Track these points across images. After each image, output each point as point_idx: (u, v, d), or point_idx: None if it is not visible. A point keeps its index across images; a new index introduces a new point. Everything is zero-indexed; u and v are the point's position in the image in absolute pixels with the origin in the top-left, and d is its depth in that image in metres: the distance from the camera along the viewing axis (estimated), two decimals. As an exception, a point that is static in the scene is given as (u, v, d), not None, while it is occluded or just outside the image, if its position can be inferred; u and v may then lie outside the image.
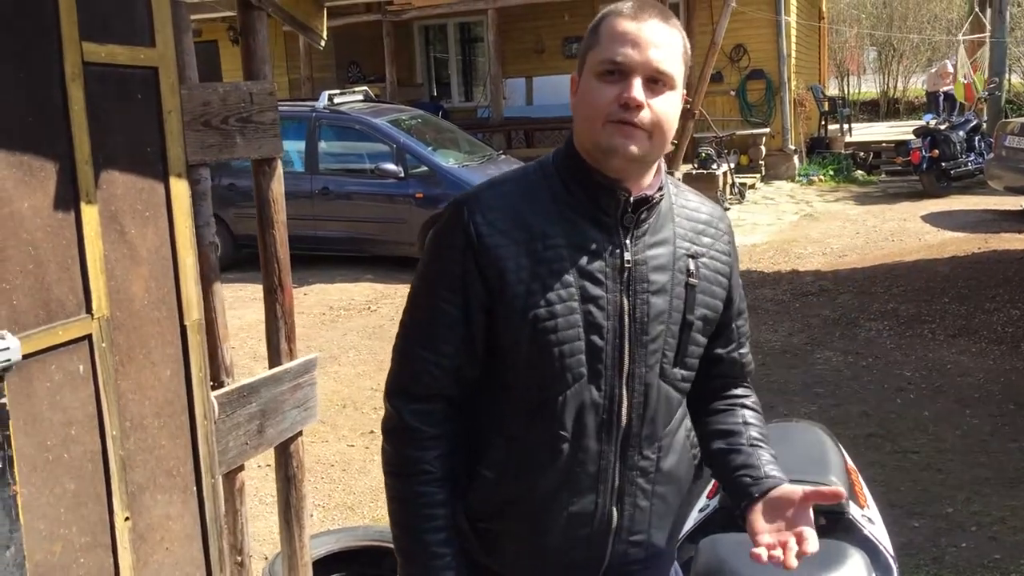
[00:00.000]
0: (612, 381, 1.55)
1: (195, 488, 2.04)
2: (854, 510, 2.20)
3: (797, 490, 1.54)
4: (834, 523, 2.13)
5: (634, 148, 1.49)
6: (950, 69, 16.90)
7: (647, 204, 1.56)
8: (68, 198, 1.69)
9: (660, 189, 1.59)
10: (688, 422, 1.71)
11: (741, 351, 1.76)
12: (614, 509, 1.60)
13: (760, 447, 1.69)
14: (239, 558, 2.37)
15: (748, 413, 1.75)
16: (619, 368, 1.55)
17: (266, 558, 3.56)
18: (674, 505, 1.68)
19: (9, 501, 1.44)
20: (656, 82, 1.48)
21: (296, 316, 7.71)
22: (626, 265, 1.55)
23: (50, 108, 1.67)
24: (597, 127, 1.49)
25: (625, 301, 1.55)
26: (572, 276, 1.52)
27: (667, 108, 1.49)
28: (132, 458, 1.85)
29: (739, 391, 1.78)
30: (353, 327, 7.70)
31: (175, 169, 1.95)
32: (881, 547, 2.13)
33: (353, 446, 5.27)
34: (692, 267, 1.61)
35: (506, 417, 1.59)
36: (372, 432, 5.42)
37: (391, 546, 3.29)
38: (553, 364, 1.52)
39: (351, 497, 4.62)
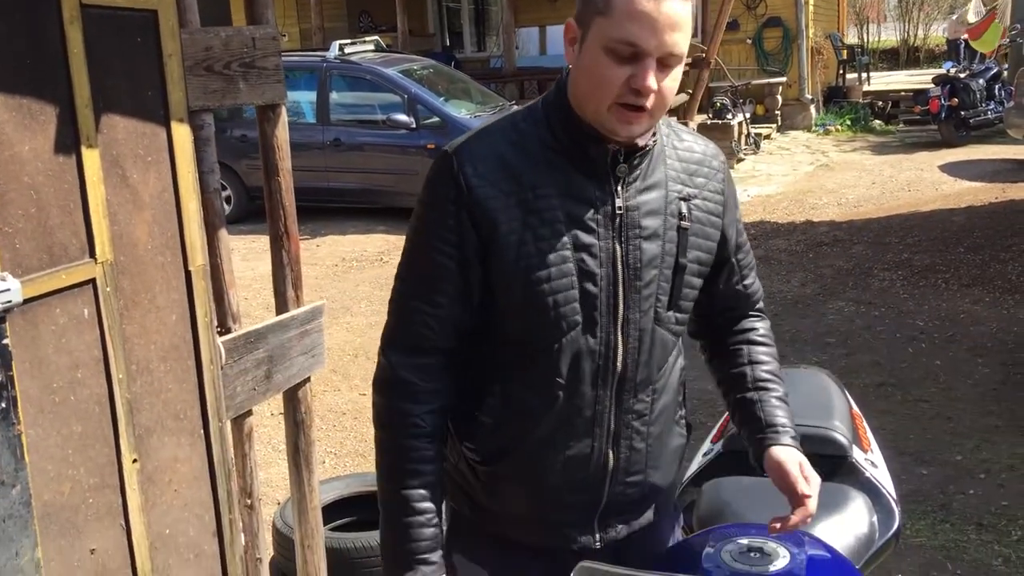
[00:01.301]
0: (607, 328, 1.55)
1: (203, 431, 2.07)
2: (857, 454, 2.21)
3: (786, 472, 1.61)
4: (837, 466, 2.13)
5: (636, 130, 1.49)
6: (971, 19, 16.56)
7: (638, 152, 1.55)
8: (69, 142, 1.69)
9: (653, 135, 1.57)
10: (681, 361, 1.72)
11: (745, 282, 1.76)
12: (610, 452, 1.61)
13: (766, 389, 1.71)
14: (248, 501, 2.40)
15: (755, 350, 1.77)
16: (613, 314, 1.55)
17: (279, 503, 3.60)
18: (671, 445, 1.69)
19: (14, 440, 1.46)
20: (667, 63, 1.44)
21: (308, 267, 7.67)
22: (617, 212, 1.54)
23: (49, 51, 1.66)
24: (602, 107, 1.46)
25: (618, 247, 1.54)
26: (564, 225, 1.51)
27: (673, 83, 1.47)
28: (139, 401, 1.87)
29: (747, 323, 1.80)
30: (365, 278, 7.73)
31: (176, 114, 1.94)
32: (884, 490, 2.14)
33: (365, 395, 5.31)
34: (684, 210, 1.59)
35: (503, 366, 1.60)
36: (384, 381, 5.46)
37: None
38: (547, 313, 1.52)
39: (362, 445, 4.66)
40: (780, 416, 1.68)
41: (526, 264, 1.50)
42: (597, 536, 1.66)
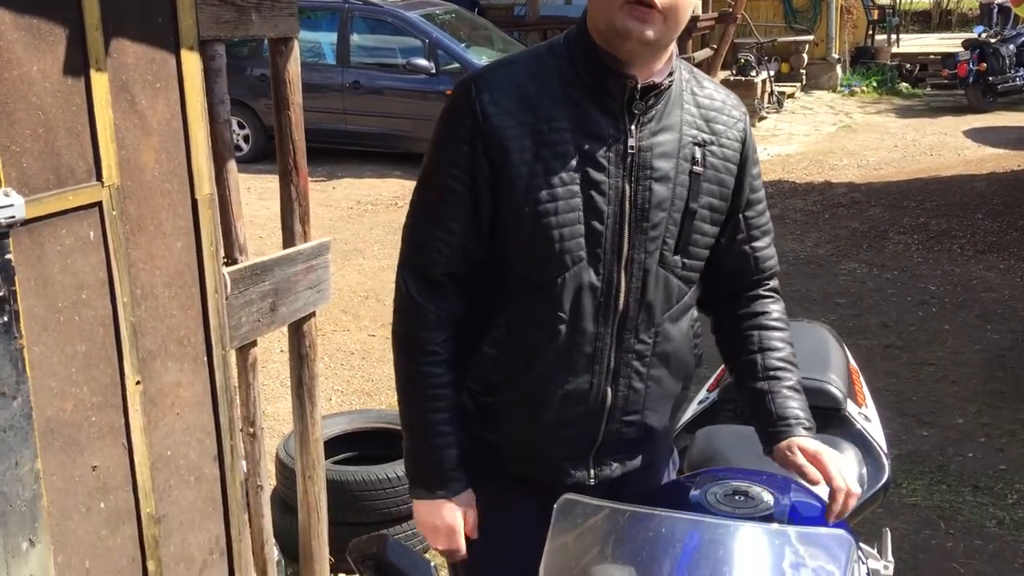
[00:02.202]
0: (611, 265, 1.57)
1: (206, 358, 2.10)
2: (851, 407, 2.23)
3: (802, 465, 1.58)
4: (830, 418, 2.16)
5: (649, 32, 1.47)
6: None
7: (654, 91, 1.55)
8: (77, 64, 1.70)
9: (670, 75, 1.57)
10: (695, 312, 1.72)
11: (753, 244, 1.72)
12: (608, 389, 1.63)
13: (776, 379, 1.68)
14: (251, 429, 2.44)
15: (766, 335, 1.72)
16: (618, 253, 1.56)
17: (285, 436, 3.66)
18: (671, 389, 1.71)
19: (16, 354, 1.49)
20: None
21: (324, 209, 7.70)
22: (629, 151, 1.55)
23: (59, -28, 1.67)
24: (614, 8, 1.47)
25: (627, 187, 1.55)
26: (575, 160, 1.53)
27: None
28: (143, 325, 1.90)
29: (759, 305, 1.74)
30: (379, 222, 7.74)
31: (187, 41, 1.95)
32: (875, 443, 2.16)
33: (374, 336, 5.36)
34: (698, 155, 1.60)
35: (508, 297, 1.62)
36: (393, 324, 5.51)
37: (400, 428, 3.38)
38: (552, 246, 1.54)
39: (369, 384, 4.72)
40: (792, 407, 1.65)
41: (535, 196, 1.52)
42: (592, 472, 1.69)
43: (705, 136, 1.61)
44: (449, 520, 1.65)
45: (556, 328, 1.59)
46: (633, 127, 1.55)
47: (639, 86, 1.53)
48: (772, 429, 1.65)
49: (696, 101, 1.62)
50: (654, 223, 1.57)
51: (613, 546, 1.41)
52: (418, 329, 1.62)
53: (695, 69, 1.69)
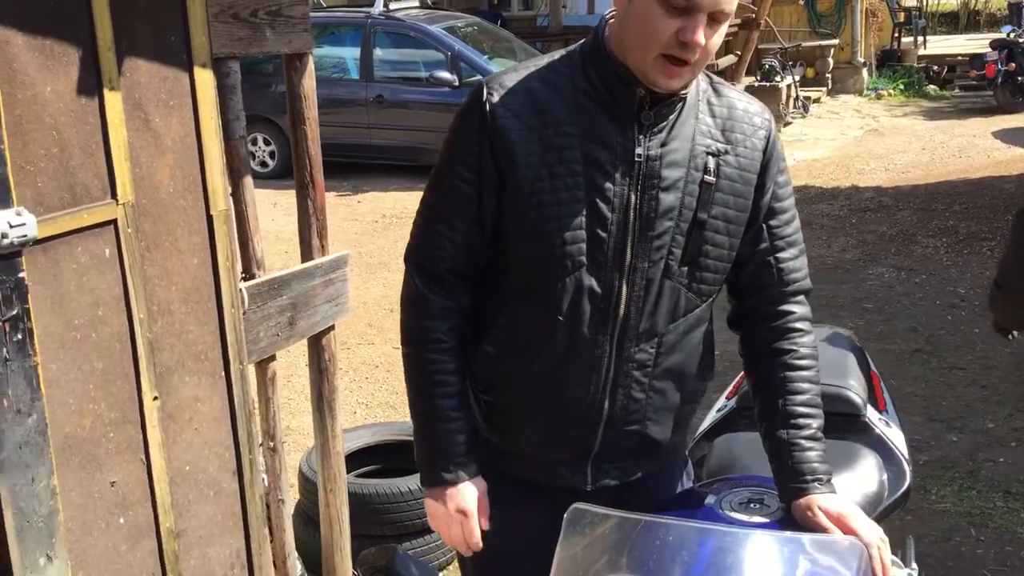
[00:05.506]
0: (612, 273, 1.56)
1: (223, 373, 2.11)
2: (871, 413, 2.20)
3: (826, 527, 1.52)
4: (850, 425, 2.13)
5: (675, 83, 1.51)
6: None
7: (665, 101, 1.54)
8: (91, 84, 1.72)
9: (684, 86, 1.56)
10: (708, 327, 1.69)
11: (778, 255, 1.65)
12: (607, 398, 1.62)
13: (797, 427, 1.60)
14: (272, 444, 2.46)
15: (792, 377, 1.63)
16: (620, 261, 1.56)
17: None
18: (674, 401, 1.68)
19: (31, 371, 1.51)
20: (716, 19, 1.45)
21: (349, 223, 7.75)
22: (636, 159, 1.54)
23: (72, -7, 1.69)
24: (648, 57, 1.47)
25: (633, 196, 1.54)
26: (581, 166, 1.53)
27: (718, 39, 1.48)
28: (159, 341, 1.92)
29: (787, 341, 1.65)
30: (404, 235, 7.63)
31: (199, 59, 1.97)
32: (896, 450, 2.13)
33: (398, 348, 5.36)
34: (711, 165, 1.57)
35: (508, 298, 1.64)
36: (417, 336, 5.52)
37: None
38: (554, 250, 1.54)
39: (393, 397, 4.73)
40: (810, 459, 1.58)
41: (538, 200, 1.53)
42: (589, 479, 1.68)
43: (720, 146, 1.59)
44: (461, 504, 1.63)
45: (555, 332, 1.59)
46: (642, 136, 1.54)
47: (649, 96, 1.53)
48: (791, 484, 1.58)
49: (712, 111, 1.60)
50: (659, 232, 1.56)
51: (624, 555, 1.40)
52: (422, 319, 1.64)
53: (715, 78, 1.66)
